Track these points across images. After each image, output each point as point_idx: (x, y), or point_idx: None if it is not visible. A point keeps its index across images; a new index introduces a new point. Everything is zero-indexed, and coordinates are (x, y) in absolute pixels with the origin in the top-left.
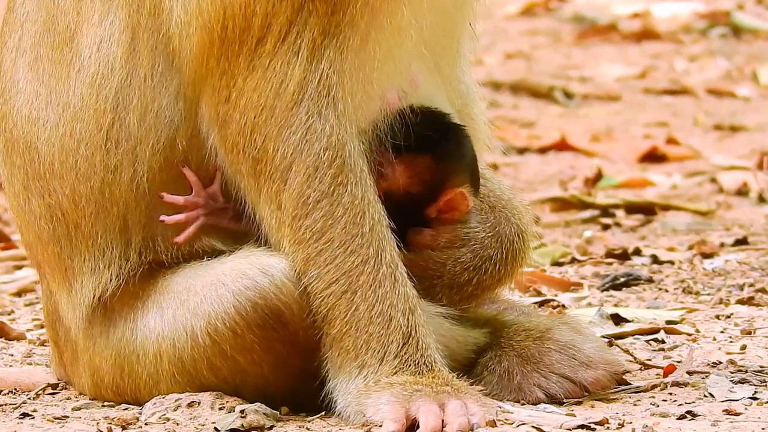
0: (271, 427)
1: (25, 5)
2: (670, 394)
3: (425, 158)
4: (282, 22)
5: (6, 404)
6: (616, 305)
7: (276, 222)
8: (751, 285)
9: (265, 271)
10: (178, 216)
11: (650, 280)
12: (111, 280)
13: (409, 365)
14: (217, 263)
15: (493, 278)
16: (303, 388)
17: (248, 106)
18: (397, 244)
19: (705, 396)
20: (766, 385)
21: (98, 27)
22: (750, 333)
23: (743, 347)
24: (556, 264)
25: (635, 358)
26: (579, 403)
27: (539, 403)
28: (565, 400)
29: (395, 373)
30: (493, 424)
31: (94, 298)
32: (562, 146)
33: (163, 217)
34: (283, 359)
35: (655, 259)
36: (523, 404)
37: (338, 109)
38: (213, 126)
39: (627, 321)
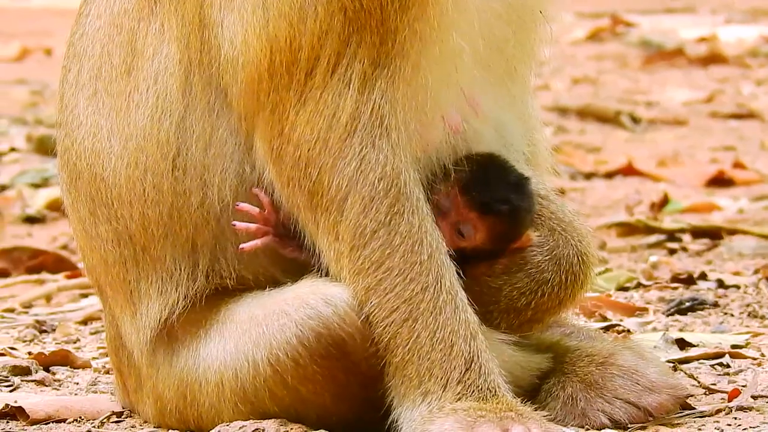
0: None
1: (83, 40)
2: (735, 418)
3: (503, 220)
4: (329, 54)
5: None
6: (681, 330)
7: (335, 253)
8: None
9: (329, 301)
10: (250, 225)
11: (716, 305)
12: (178, 302)
13: (473, 391)
14: (279, 293)
15: (552, 301)
16: (365, 417)
17: (302, 140)
18: (456, 271)
19: None
20: None
21: (153, 60)
22: None
23: None
24: (622, 289)
25: (700, 383)
26: (643, 428)
27: (603, 429)
28: (629, 426)
29: (459, 399)
30: None
31: (159, 320)
32: (628, 171)
33: (235, 222)
34: (346, 389)
35: (720, 284)
36: (587, 430)
37: (392, 139)
38: (267, 160)
39: (692, 345)
